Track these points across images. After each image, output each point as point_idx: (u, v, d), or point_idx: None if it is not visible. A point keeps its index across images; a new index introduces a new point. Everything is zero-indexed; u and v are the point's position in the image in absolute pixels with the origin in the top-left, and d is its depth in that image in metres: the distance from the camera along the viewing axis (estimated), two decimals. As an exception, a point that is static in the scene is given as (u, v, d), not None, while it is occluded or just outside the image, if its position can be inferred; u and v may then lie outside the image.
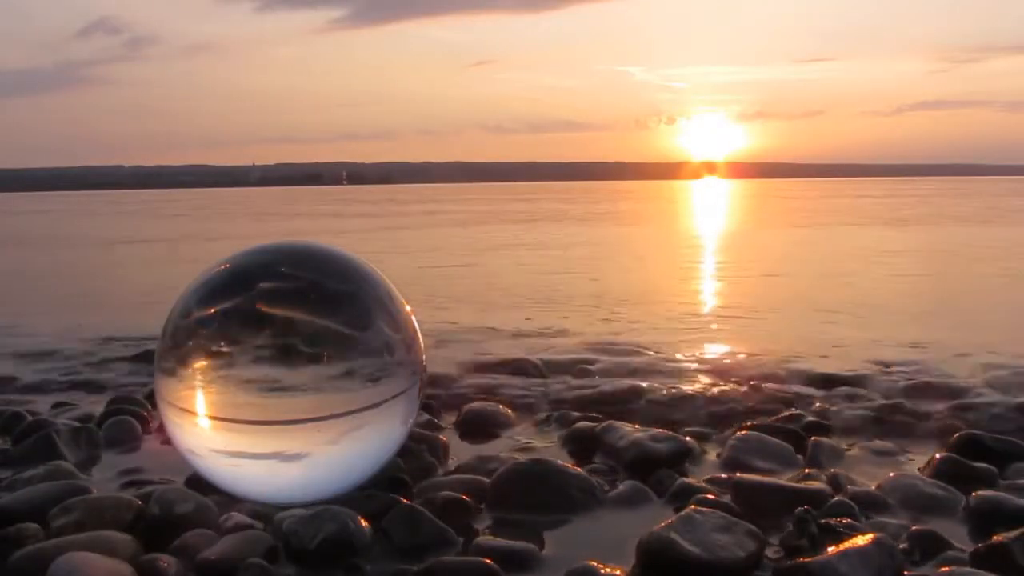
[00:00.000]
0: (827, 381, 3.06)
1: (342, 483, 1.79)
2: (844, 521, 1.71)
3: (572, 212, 19.40)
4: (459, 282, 6.37)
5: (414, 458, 2.12)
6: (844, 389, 2.96)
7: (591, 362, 3.44)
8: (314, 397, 1.68)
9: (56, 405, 2.89)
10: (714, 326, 4.47)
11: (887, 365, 3.32)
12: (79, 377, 3.38)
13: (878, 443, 2.36)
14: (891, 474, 2.05)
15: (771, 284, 6.28)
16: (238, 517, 1.76)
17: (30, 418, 2.59)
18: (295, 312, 1.73)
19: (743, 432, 2.36)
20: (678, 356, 3.61)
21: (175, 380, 1.74)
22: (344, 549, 1.65)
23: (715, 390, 3.02)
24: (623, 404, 2.81)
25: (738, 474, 2.02)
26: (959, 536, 1.72)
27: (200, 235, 12.81)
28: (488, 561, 1.57)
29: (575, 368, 3.35)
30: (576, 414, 2.66)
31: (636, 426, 2.38)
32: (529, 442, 2.43)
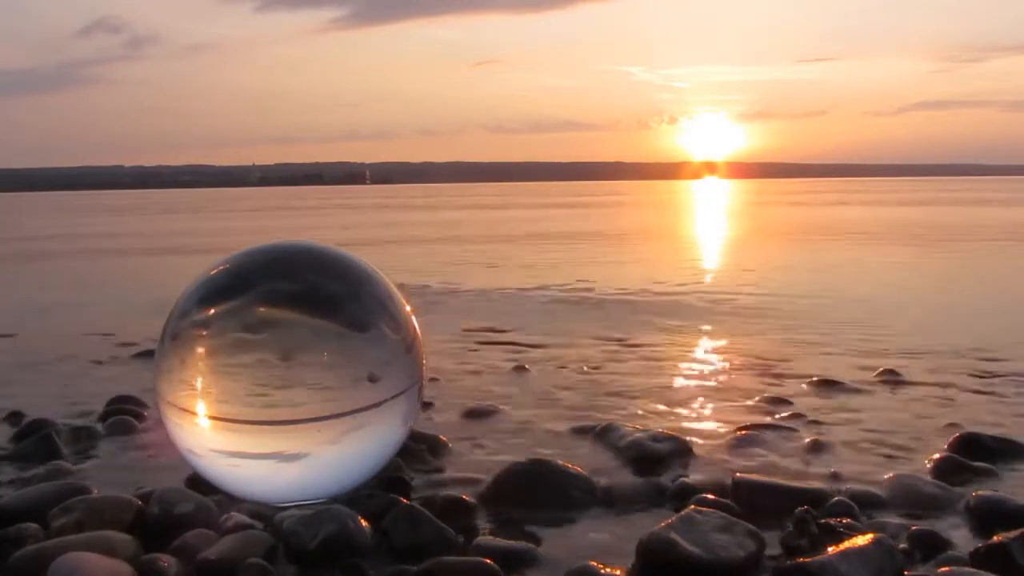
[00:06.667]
0: (828, 381, 3.06)
1: (342, 483, 1.79)
2: (844, 521, 1.71)
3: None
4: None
5: (414, 458, 2.12)
6: (847, 391, 2.96)
7: (590, 359, 3.45)
8: (314, 397, 1.68)
9: (56, 404, 2.89)
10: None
11: (891, 365, 3.32)
12: (79, 376, 3.38)
13: (878, 443, 2.36)
14: (891, 474, 2.05)
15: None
16: (238, 517, 1.76)
17: (30, 418, 2.59)
18: (295, 312, 1.73)
19: (743, 432, 2.36)
20: (679, 355, 3.61)
21: (175, 380, 1.74)
22: (344, 549, 1.64)
23: (716, 390, 3.02)
24: (623, 403, 2.81)
25: (738, 474, 2.02)
26: (959, 536, 1.72)
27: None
28: (488, 561, 1.57)
29: (573, 365, 3.36)
30: (576, 413, 2.66)
31: (636, 426, 2.39)
32: (529, 441, 2.43)
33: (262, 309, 1.73)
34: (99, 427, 2.53)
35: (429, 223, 15.83)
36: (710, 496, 1.88)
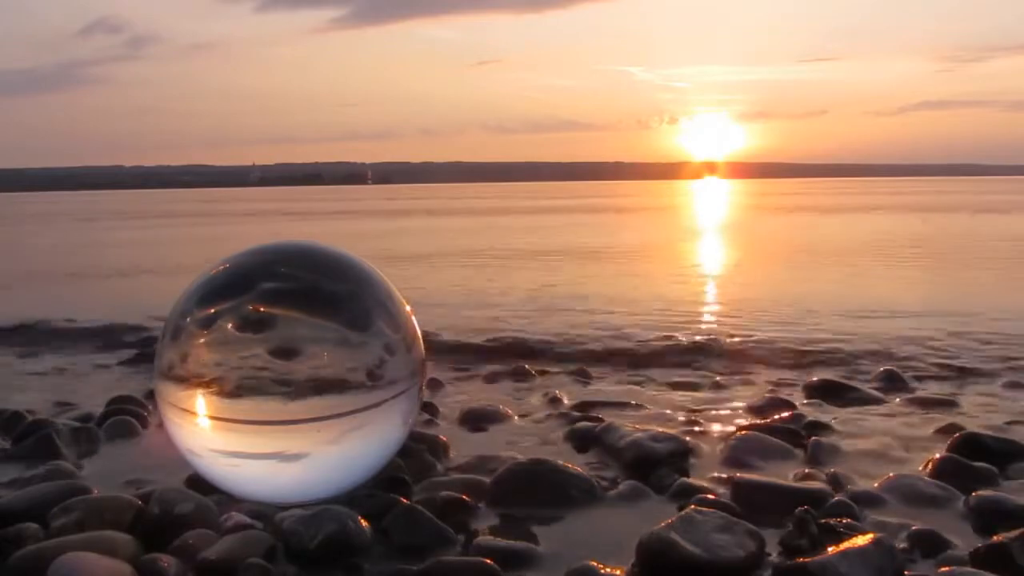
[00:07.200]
0: (828, 382, 3.05)
1: (342, 483, 1.79)
2: (844, 521, 1.71)
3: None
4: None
5: (414, 458, 2.12)
6: (847, 392, 2.96)
7: (594, 360, 3.45)
8: (314, 397, 1.68)
9: (56, 405, 2.89)
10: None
11: (891, 367, 3.32)
12: (79, 377, 3.38)
13: (878, 443, 2.36)
14: (891, 474, 2.05)
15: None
16: (238, 517, 1.77)
17: (30, 418, 2.59)
18: (295, 312, 1.73)
19: (743, 432, 2.36)
20: (680, 356, 3.61)
21: (175, 380, 1.73)
22: (344, 549, 1.65)
23: (716, 391, 3.03)
24: (623, 404, 2.81)
25: (738, 474, 2.02)
26: (959, 536, 1.72)
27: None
28: (488, 561, 1.57)
29: (577, 366, 3.36)
30: (577, 413, 2.66)
31: (636, 426, 2.38)
32: (529, 441, 2.43)
33: (262, 308, 1.73)
34: (99, 428, 2.52)
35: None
36: (710, 496, 1.89)
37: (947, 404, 2.78)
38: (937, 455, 2.16)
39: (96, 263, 9.39)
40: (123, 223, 18.59)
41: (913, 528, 1.72)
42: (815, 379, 3.09)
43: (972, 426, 2.43)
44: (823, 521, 1.70)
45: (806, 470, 2.11)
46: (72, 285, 7.12)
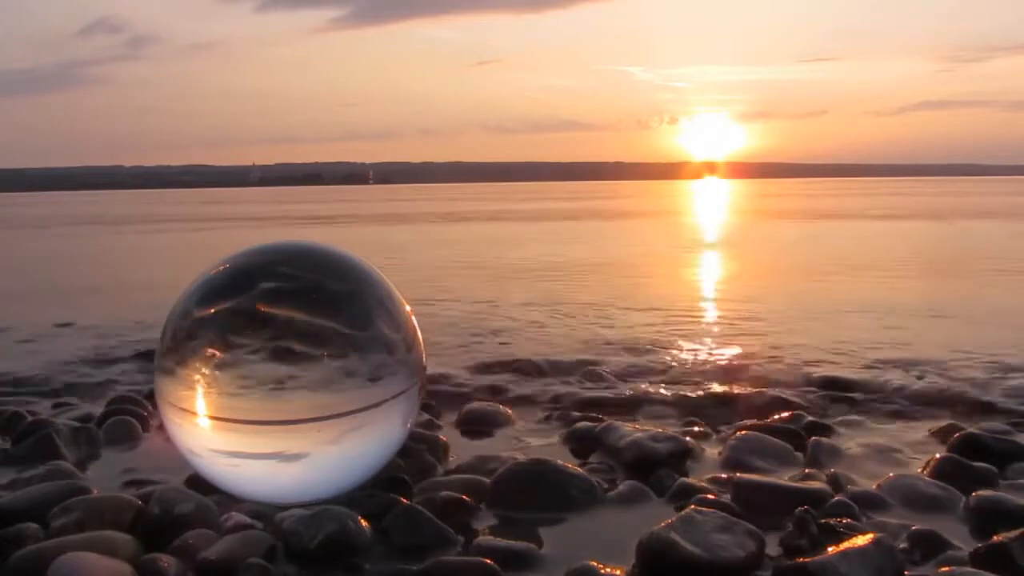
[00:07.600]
0: (828, 382, 3.05)
1: (342, 483, 1.79)
2: (844, 521, 1.71)
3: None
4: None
5: (414, 458, 2.12)
6: (847, 391, 2.96)
7: (594, 363, 3.44)
8: (314, 397, 1.68)
9: (56, 405, 2.89)
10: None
11: (891, 367, 3.32)
12: (79, 377, 3.38)
13: (878, 443, 2.36)
14: (891, 474, 2.05)
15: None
16: (238, 517, 1.77)
17: (30, 418, 2.59)
18: (295, 312, 1.73)
19: (743, 432, 2.36)
20: (681, 356, 3.61)
21: (175, 380, 1.74)
22: (344, 549, 1.65)
23: (716, 390, 3.02)
24: (624, 404, 2.81)
25: (738, 474, 2.02)
26: (959, 536, 1.72)
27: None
28: (488, 561, 1.57)
29: (578, 369, 3.35)
30: (576, 414, 2.66)
31: (636, 426, 2.38)
32: (529, 442, 2.43)
33: (262, 308, 1.73)
34: (99, 428, 2.52)
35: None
36: (710, 496, 1.89)
37: (948, 404, 2.78)
38: (937, 455, 2.16)
39: (95, 264, 9.39)
40: (122, 227, 18.57)
41: (913, 528, 1.72)
42: (816, 378, 3.08)
43: (972, 426, 2.43)
44: (823, 521, 1.70)
45: (806, 470, 2.11)
46: (72, 286, 7.12)
